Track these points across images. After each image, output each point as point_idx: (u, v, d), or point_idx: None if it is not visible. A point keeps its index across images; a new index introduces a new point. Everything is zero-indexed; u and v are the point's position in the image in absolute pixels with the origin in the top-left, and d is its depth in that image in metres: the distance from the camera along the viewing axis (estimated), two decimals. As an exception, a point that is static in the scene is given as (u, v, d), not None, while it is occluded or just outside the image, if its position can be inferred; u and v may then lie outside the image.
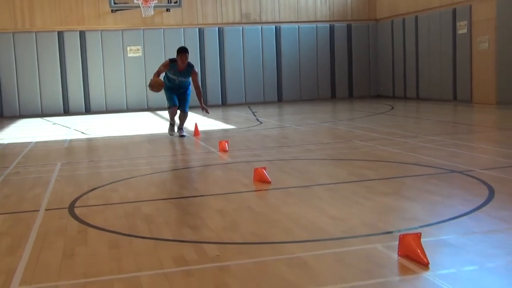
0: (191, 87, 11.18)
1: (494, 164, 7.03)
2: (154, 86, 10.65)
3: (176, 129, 11.40)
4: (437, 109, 15.53)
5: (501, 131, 10.59)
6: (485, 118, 13.14)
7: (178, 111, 11.19)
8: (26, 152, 10.14)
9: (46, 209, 5.57)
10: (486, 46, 16.14)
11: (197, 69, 11.39)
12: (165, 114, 18.32)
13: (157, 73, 10.80)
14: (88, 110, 19.68)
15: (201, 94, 11.23)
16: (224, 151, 8.86)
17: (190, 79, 11.00)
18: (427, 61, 18.79)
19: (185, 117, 11.28)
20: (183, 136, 11.10)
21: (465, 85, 17.05)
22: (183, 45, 10.72)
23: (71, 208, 5.57)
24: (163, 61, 20.41)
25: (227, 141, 9.20)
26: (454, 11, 17.34)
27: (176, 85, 10.95)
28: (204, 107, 11.11)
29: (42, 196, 6.21)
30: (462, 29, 17.01)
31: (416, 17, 19.22)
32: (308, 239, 4.28)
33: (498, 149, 8.30)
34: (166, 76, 10.95)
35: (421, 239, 3.68)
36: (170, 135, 11.33)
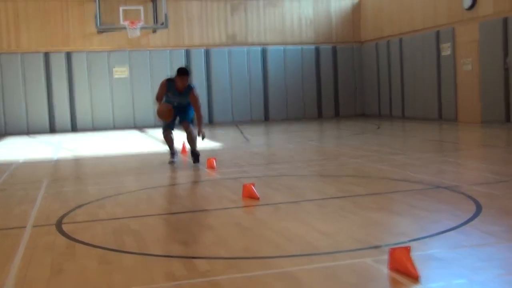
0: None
1: (480, 180, 7.08)
2: (162, 114, 9.32)
3: (183, 154, 10.31)
4: (423, 128, 15.64)
5: (486, 148, 10.69)
6: (470, 136, 13.26)
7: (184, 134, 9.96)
8: (13, 170, 10.06)
9: (33, 226, 5.53)
10: (469, 68, 16.34)
11: (198, 90, 9.80)
12: (154, 132, 18.33)
13: (159, 97, 9.56)
14: (74, 129, 19.60)
15: (202, 119, 9.60)
16: (212, 168, 8.87)
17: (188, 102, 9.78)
18: (412, 82, 18.98)
19: (192, 132, 9.56)
20: (196, 159, 9.63)
21: (450, 104, 17.23)
22: (178, 66, 9.70)
23: (58, 224, 5.53)
24: (150, 82, 20.88)
25: (214, 158, 9.24)
26: (437, 33, 17.56)
27: (175, 106, 9.53)
28: (202, 132, 9.36)
29: (29, 212, 6.17)
30: (445, 51, 17.23)
31: (401, 40, 19.45)
32: (297, 253, 4.28)
33: (484, 166, 8.38)
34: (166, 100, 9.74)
35: (410, 253, 3.69)
36: (170, 163, 9.74)
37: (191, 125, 9.58)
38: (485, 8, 15.67)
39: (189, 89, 9.44)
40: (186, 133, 9.57)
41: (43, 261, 4.32)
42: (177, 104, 9.48)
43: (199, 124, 9.43)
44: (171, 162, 9.71)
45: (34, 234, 5.20)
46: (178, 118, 9.73)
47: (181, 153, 11.45)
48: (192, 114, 9.64)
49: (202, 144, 13.75)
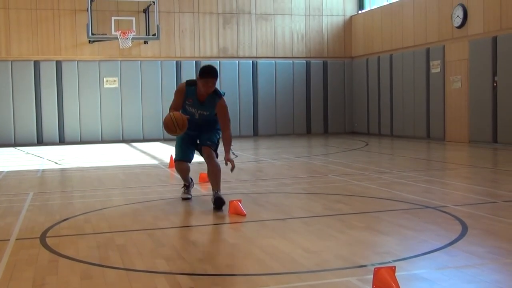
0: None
1: (467, 201, 7.10)
2: (171, 125, 6.49)
3: (191, 190, 7.71)
4: (411, 146, 15.70)
5: (473, 168, 10.74)
6: (458, 156, 13.32)
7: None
8: (-2, 181, 10.00)
9: (16, 239, 5.47)
10: (458, 86, 16.46)
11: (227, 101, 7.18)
12: (141, 146, 18.28)
13: (174, 108, 6.88)
14: (62, 141, 19.53)
15: (230, 139, 6.96)
16: (204, 181, 8.91)
17: (211, 114, 7.09)
18: (401, 99, 19.08)
19: (216, 164, 7.03)
20: (219, 206, 6.78)
21: (438, 123, 17.32)
22: (203, 66, 6.95)
23: (42, 237, 5.48)
24: (140, 92, 20.87)
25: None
26: (427, 51, 17.69)
27: (195, 123, 6.99)
28: (231, 160, 6.72)
29: (13, 225, 6.11)
30: (435, 69, 17.34)
31: (391, 56, 19.57)
32: (282, 271, 4.26)
33: (470, 186, 8.41)
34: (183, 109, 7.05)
35: (395, 273, 3.68)
36: (185, 199, 7.54)
37: (215, 153, 7.08)
38: (475, 27, 15.81)
39: (216, 97, 6.91)
40: (208, 164, 7.01)
41: (26, 275, 4.28)
42: (198, 118, 7.00)
43: (227, 149, 6.82)
44: (186, 198, 7.54)
45: (17, 247, 5.15)
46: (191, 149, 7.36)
47: (169, 168, 11.42)
48: (218, 136, 7.20)
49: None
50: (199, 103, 6.93)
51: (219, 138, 7.16)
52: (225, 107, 6.97)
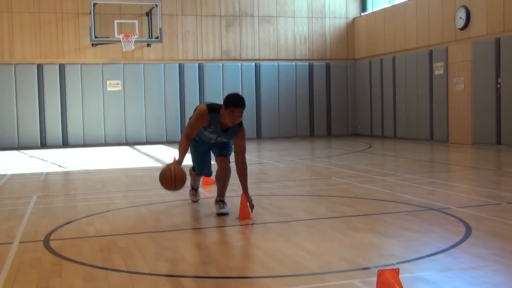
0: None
1: (470, 203, 7.09)
2: (168, 181, 6.04)
3: (203, 197, 7.54)
4: (414, 148, 15.68)
5: (477, 170, 10.72)
6: (461, 158, 13.30)
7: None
8: (1, 184, 10.01)
9: (20, 242, 5.48)
10: (462, 87, 16.44)
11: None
12: (145, 148, 18.30)
13: (190, 133, 6.36)
14: (65, 144, 19.55)
15: (246, 173, 6.48)
16: (207, 184, 8.91)
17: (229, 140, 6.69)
18: (404, 101, 19.05)
19: (228, 171, 6.68)
20: (223, 213, 6.53)
21: (442, 125, 17.30)
22: (230, 94, 6.40)
23: (46, 240, 5.49)
24: (143, 95, 20.95)
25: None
26: (431, 53, 17.67)
27: (209, 144, 6.72)
28: (249, 200, 6.36)
29: (16, 228, 6.12)
30: (438, 70, 17.33)
31: (394, 58, 19.55)
32: (285, 274, 4.26)
33: (474, 188, 8.39)
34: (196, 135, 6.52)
35: (399, 275, 3.68)
36: (193, 200, 7.48)
37: (229, 162, 6.70)
38: (478, 29, 15.79)
39: (239, 127, 6.39)
40: (220, 169, 6.64)
41: (29, 278, 4.28)
42: (215, 142, 6.64)
43: (244, 183, 6.40)
44: (195, 200, 7.49)
45: (21, 250, 5.16)
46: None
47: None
48: (232, 148, 6.77)
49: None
50: (221, 131, 6.37)
51: (231, 149, 6.75)
52: (244, 136, 6.51)
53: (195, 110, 6.55)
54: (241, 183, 6.40)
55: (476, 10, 15.83)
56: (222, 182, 6.65)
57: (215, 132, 6.40)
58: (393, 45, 19.76)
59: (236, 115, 6.18)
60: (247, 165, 6.49)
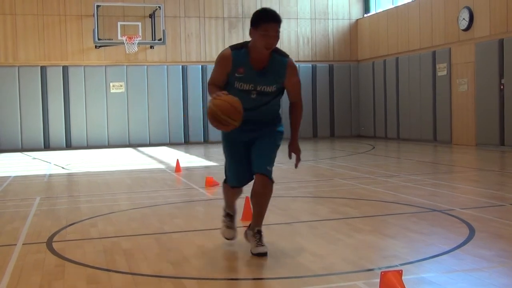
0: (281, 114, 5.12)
1: (474, 204, 7.07)
2: (219, 119, 4.29)
3: (236, 226, 5.24)
4: (418, 149, 15.66)
5: (480, 171, 10.69)
6: (465, 159, 13.27)
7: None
8: (5, 186, 10.03)
9: (23, 243, 5.49)
10: (465, 88, 16.41)
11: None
12: (148, 150, 18.31)
13: (214, 83, 4.73)
14: (69, 146, 19.58)
15: (301, 117, 5.02)
16: (211, 185, 8.91)
17: (277, 91, 4.80)
18: (407, 102, 19.03)
19: (268, 192, 4.83)
20: (262, 254, 4.74)
21: (445, 126, 17.27)
22: (257, 10, 4.66)
23: (49, 242, 5.49)
24: (146, 97, 21.01)
25: (212, 177, 9.29)
26: (434, 54, 17.65)
27: (251, 110, 4.65)
28: (297, 150, 4.98)
29: (20, 230, 6.13)
30: (441, 71, 17.30)
31: (397, 59, 19.53)
32: (289, 275, 4.25)
33: (477, 189, 8.37)
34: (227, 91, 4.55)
35: (402, 277, 3.67)
36: (227, 238, 5.19)
37: (271, 182, 4.83)
38: (481, 30, 15.77)
39: (281, 57, 4.70)
40: (259, 187, 4.78)
41: (32, 280, 4.29)
42: (256, 100, 4.71)
43: (295, 132, 5.00)
44: (231, 238, 5.20)
45: (24, 251, 5.16)
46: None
47: (175, 172, 11.43)
48: (276, 150, 4.95)
49: (197, 163, 13.74)
50: (256, 73, 4.57)
51: (275, 152, 4.94)
52: (296, 70, 4.75)
53: None
54: (292, 133, 4.92)
55: (479, 11, 15.81)
56: (261, 205, 4.83)
57: (249, 79, 4.56)
58: (396, 46, 19.74)
59: (272, 35, 4.46)
60: (302, 109, 4.98)
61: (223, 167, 5.17)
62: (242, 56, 4.57)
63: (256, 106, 4.71)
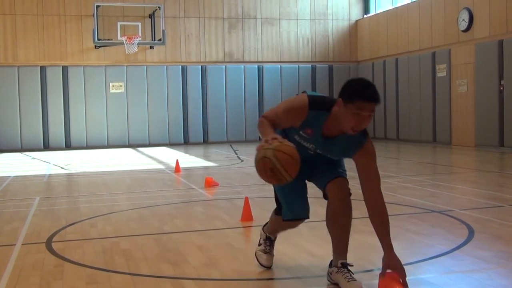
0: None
1: (473, 205, 7.07)
2: (278, 166, 3.40)
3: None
4: (417, 150, 15.66)
5: (479, 172, 10.69)
6: (464, 160, 13.27)
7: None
8: (4, 186, 10.02)
9: (23, 243, 5.48)
10: (465, 89, 16.42)
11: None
12: (148, 151, 18.29)
13: (269, 121, 3.87)
14: (68, 146, 19.58)
15: (387, 216, 3.87)
16: (210, 186, 8.90)
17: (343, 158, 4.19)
18: (407, 103, 19.04)
19: (349, 209, 4.17)
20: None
21: (444, 127, 17.27)
22: (355, 81, 3.66)
23: (48, 242, 5.49)
24: (146, 98, 21.07)
25: (211, 178, 9.30)
26: (433, 55, 17.66)
27: (307, 156, 3.96)
28: (399, 267, 3.72)
29: (19, 230, 6.12)
30: (441, 72, 17.31)
31: (397, 60, 19.54)
32: (287, 276, 4.25)
33: (477, 190, 8.37)
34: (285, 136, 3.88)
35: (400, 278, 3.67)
36: (265, 265, 4.44)
37: (349, 190, 4.17)
38: (481, 31, 15.78)
39: (360, 137, 3.82)
40: (336, 203, 4.10)
41: (31, 280, 4.28)
42: (313, 154, 4.00)
43: (386, 238, 3.83)
44: (267, 266, 4.44)
45: (23, 252, 5.16)
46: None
47: (174, 172, 11.44)
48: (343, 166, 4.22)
49: (196, 163, 13.75)
50: (322, 140, 3.83)
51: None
52: (374, 154, 3.99)
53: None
54: (378, 234, 3.84)
55: (479, 12, 15.81)
56: (343, 227, 4.07)
57: (312, 141, 3.86)
58: (396, 47, 19.74)
59: (365, 116, 3.59)
60: (385, 206, 3.88)
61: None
62: (317, 120, 3.75)
63: (314, 155, 3.99)
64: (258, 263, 4.47)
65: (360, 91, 3.57)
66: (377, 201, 3.88)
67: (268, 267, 4.43)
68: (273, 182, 3.55)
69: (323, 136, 3.80)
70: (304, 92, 3.94)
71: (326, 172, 4.05)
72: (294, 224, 4.26)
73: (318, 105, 3.74)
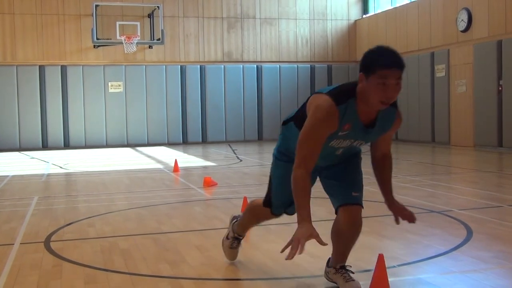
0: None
1: (472, 205, 7.08)
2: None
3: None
4: (416, 150, 15.67)
5: (478, 172, 10.70)
6: (463, 160, 13.28)
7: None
8: (2, 185, 10.01)
9: (21, 243, 5.48)
10: (463, 89, 16.43)
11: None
12: (146, 150, 18.28)
13: (305, 169, 3.37)
14: (67, 145, 19.56)
15: (391, 167, 3.97)
16: (209, 185, 8.90)
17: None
18: (406, 103, 19.02)
19: (359, 228, 3.90)
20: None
21: (443, 127, 17.28)
22: (372, 50, 3.37)
23: (46, 242, 5.49)
24: (145, 97, 21.05)
25: (210, 177, 9.30)
26: (432, 55, 17.66)
27: (329, 159, 3.76)
28: (403, 210, 3.73)
29: (17, 229, 6.12)
30: (440, 73, 17.31)
31: (396, 60, 19.51)
32: (286, 276, 4.25)
33: (475, 190, 8.38)
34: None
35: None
36: (231, 260, 4.61)
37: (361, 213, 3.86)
38: (479, 31, 15.78)
39: (391, 111, 3.69)
40: (349, 223, 3.87)
41: (30, 279, 4.28)
42: (335, 157, 3.77)
43: (389, 184, 3.95)
44: (234, 259, 4.61)
45: (21, 251, 5.15)
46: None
47: (173, 172, 11.44)
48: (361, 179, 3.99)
49: (195, 163, 13.75)
50: (363, 129, 3.50)
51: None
52: (400, 123, 3.84)
53: (295, 115, 3.84)
54: (382, 181, 3.89)
55: (478, 13, 15.82)
56: (347, 244, 3.99)
57: (352, 136, 3.51)
58: (395, 47, 19.32)
59: (391, 85, 3.30)
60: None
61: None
62: (350, 110, 3.39)
63: (339, 155, 3.74)
64: (226, 258, 4.59)
65: (379, 59, 3.32)
66: (387, 157, 3.87)
67: (234, 260, 4.58)
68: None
69: (363, 125, 3.47)
70: (316, 93, 3.60)
71: (343, 190, 3.80)
72: (274, 217, 4.17)
73: (342, 97, 3.39)
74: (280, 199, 3.97)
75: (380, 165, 3.83)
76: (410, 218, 3.64)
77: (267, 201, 4.07)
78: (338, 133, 3.43)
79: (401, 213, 3.69)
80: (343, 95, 3.39)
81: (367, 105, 3.38)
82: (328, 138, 3.42)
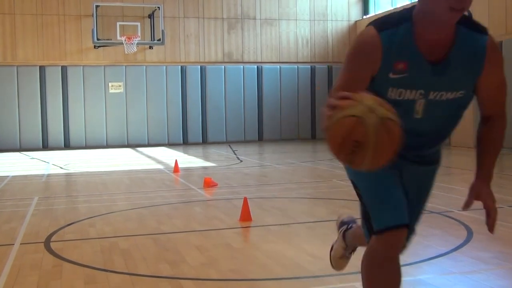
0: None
1: (472, 206, 7.06)
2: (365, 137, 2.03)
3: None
4: (416, 151, 15.64)
5: (478, 173, 10.68)
6: (463, 160, 13.28)
7: None
8: (3, 186, 10.02)
9: (21, 243, 5.48)
10: (464, 90, 16.43)
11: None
12: (146, 151, 18.28)
13: (346, 86, 2.31)
14: (67, 145, 19.57)
15: (501, 144, 2.80)
16: (209, 186, 8.91)
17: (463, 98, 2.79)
18: (406, 104, 19.05)
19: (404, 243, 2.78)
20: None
21: (444, 128, 17.27)
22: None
23: (47, 242, 5.49)
24: (145, 98, 21.08)
25: (210, 178, 9.31)
26: (432, 55, 17.65)
27: (413, 133, 2.54)
28: (490, 201, 2.78)
29: (17, 229, 6.12)
30: (440, 73, 17.31)
31: (396, 60, 19.53)
32: (286, 276, 4.25)
33: (475, 191, 8.36)
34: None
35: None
36: (339, 270, 3.71)
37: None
38: (479, 32, 15.77)
39: (478, 39, 2.55)
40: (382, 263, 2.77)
41: (30, 280, 4.28)
42: (424, 118, 2.64)
43: (489, 168, 2.86)
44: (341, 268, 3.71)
45: (21, 251, 5.15)
46: None
47: (173, 173, 11.44)
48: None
49: (195, 164, 13.75)
50: (431, 68, 2.42)
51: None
52: (501, 57, 2.78)
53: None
54: (478, 152, 2.95)
55: (478, 13, 15.82)
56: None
57: (415, 81, 2.43)
58: (395, 48, 19.72)
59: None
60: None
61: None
62: (402, 38, 2.36)
63: (424, 122, 2.69)
64: (334, 268, 3.72)
65: None
66: (501, 124, 2.85)
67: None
68: (345, 160, 2.19)
69: (427, 63, 2.39)
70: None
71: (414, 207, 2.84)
72: (399, 234, 2.66)
73: (389, 22, 2.39)
74: (378, 202, 2.73)
75: (481, 130, 2.87)
76: (491, 221, 2.71)
77: (370, 223, 2.74)
78: (389, 75, 2.39)
79: (485, 202, 2.75)
80: (393, 20, 2.39)
81: (431, 28, 2.33)
82: (377, 85, 2.41)
